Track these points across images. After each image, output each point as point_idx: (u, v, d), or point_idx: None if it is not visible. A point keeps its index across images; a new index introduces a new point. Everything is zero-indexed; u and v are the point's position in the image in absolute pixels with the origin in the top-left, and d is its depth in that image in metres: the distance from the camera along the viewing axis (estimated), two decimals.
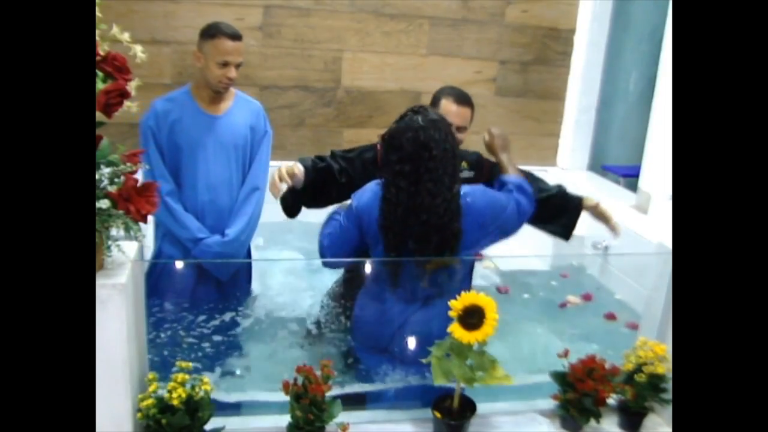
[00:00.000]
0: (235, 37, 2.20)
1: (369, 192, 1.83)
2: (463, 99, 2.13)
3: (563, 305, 2.91)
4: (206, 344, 2.24)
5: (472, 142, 2.25)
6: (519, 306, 2.94)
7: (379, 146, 1.92)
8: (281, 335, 2.38)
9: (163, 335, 2.21)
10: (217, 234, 2.33)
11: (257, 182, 2.40)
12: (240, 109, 2.36)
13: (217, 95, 2.29)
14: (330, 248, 1.88)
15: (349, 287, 2.17)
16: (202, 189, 2.30)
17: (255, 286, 2.64)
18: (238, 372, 2.16)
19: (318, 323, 2.32)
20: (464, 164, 2.16)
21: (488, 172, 2.20)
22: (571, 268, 3.35)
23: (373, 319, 1.90)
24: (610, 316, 2.82)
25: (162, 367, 1.66)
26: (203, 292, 2.41)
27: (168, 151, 2.26)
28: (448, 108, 2.09)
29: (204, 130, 2.28)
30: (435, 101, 2.14)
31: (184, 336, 2.23)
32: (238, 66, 2.23)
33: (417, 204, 1.72)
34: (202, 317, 2.34)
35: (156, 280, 2.33)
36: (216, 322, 2.34)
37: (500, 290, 3.00)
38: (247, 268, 2.59)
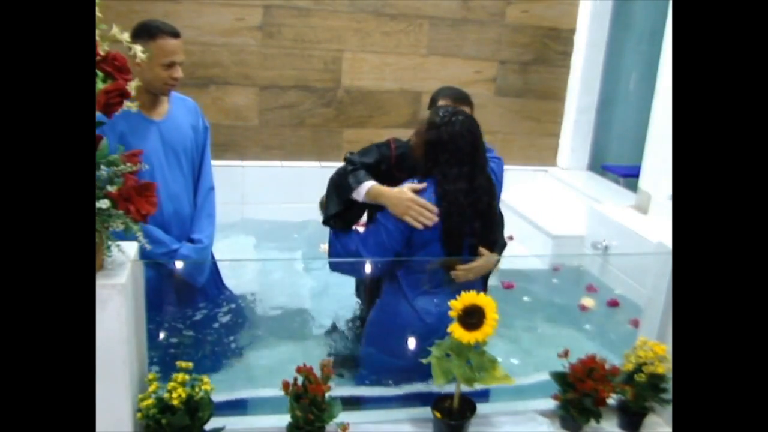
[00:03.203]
0: (176, 34, 2.12)
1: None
2: (461, 97, 2.12)
3: (583, 308, 2.92)
4: (198, 348, 2.23)
5: None
6: (521, 306, 2.94)
7: (413, 147, 1.90)
8: (278, 334, 2.38)
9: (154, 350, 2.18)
10: (183, 241, 2.23)
11: (211, 182, 2.33)
12: (179, 109, 2.24)
13: (155, 98, 2.16)
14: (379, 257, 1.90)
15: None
16: (166, 200, 2.16)
17: (253, 285, 2.64)
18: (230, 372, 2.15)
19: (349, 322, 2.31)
20: None
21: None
22: (571, 268, 3.35)
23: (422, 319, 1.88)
24: (613, 303, 2.82)
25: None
26: (185, 300, 2.34)
27: None
28: None
29: (153, 138, 2.15)
30: (433, 103, 2.12)
31: (180, 348, 2.21)
32: (181, 65, 2.14)
33: (474, 200, 1.84)
34: (186, 322, 2.30)
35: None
36: (204, 323, 2.32)
37: (504, 285, 3.00)
38: (216, 269, 2.50)
